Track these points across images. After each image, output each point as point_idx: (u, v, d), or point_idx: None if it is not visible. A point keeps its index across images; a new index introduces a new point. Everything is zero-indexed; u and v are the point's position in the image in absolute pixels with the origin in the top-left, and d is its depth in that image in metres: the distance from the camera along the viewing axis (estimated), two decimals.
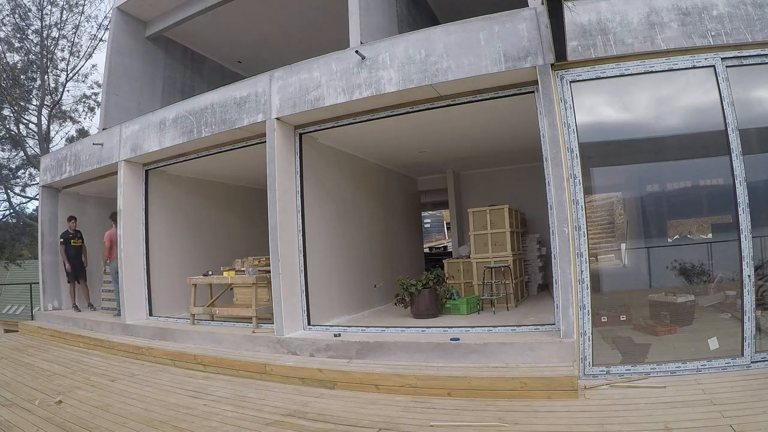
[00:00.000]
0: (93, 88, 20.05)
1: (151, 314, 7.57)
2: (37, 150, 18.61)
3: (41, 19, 18.04)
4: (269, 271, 5.88)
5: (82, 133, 19.82)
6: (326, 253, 6.51)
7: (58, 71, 19.08)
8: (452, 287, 6.99)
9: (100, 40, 19.00)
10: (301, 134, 6.15)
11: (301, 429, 3.56)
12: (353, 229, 7.39)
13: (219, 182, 9.48)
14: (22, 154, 19.32)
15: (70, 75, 19.20)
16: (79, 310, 9.00)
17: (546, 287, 8.60)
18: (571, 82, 4.51)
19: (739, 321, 4.06)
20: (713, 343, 4.14)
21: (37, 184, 14.10)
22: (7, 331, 9.56)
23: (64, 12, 18.52)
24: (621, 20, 4.35)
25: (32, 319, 10.02)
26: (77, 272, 9.17)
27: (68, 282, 9.21)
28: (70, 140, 19.49)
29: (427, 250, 16.10)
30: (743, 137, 4.12)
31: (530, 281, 8.53)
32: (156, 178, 7.92)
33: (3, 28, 17.81)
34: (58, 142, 20.18)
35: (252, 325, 6.15)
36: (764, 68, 4.25)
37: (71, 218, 9.25)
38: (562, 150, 4.37)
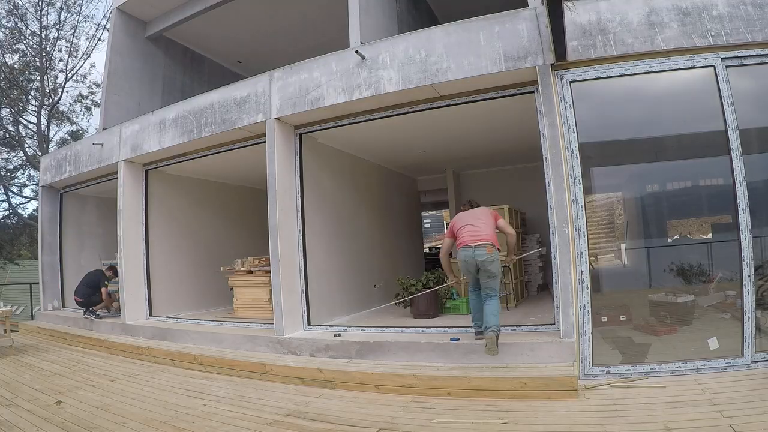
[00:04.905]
0: (91, 88, 20.07)
1: (151, 314, 7.57)
2: (37, 150, 18.62)
3: (39, 20, 18.06)
4: None
5: (75, 135, 19.81)
6: (326, 253, 6.50)
7: (56, 72, 19.11)
8: (452, 287, 6.98)
9: (99, 39, 19.04)
10: (301, 134, 6.14)
11: (301, 429, 3.56)
12: (353, 228, 7.39)
13: (219, 182, 9.47)
14: (21, 154, 19.34)
15: (69, 75, 19.23)
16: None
17: (546, 287, 8.60)
18: (571, 82, 4.51)
19: (739, 321, 4.06)
20: (713, 343, 4.14)
21: (36, 184, 14.11)
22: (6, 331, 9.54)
23: (62, 12, 18.55)
24: (621, 20, 4.36)
25: (32, 319, 10.02)
26: None
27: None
28: (63, 142, 19.49)
29: (427, 250, 16.09)
30: (743, 137, 4.12)
31: (530, 281, 8.53)
32: (156, 178, 7.92)
33: (1, 29, 17.83)
34: (57, 142, 20.20)
35: None
36: (764, 68, 4.25)
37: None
38: (562, 150, 4.37)
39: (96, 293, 8.15)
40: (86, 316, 8.04)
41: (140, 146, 7.25)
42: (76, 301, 8.21)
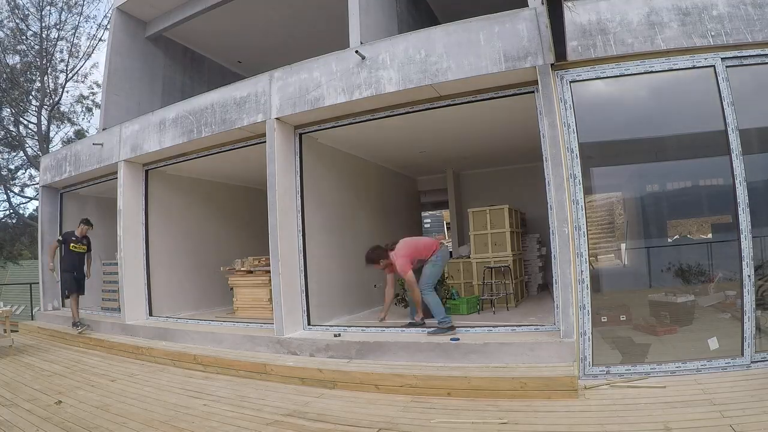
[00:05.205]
0: (92, 89, 20.08)
1: (151, 314, 7.57)
2: (37, 150, 18.62)
3: (40, 21, 18.06)
4: None
5: (80, 135, 19.82)
6: (326, 253, 6.50)
7: (57, 72, 19.11)
8: (452, 287, 6.98)
9: (100, 40, 19.05)
10: (301, 134, 6.14)
11: (301, 429, 3.56)
12: (353, 228, 7.38)
13: (219, 182, 9.47)
14: (21, 154, 19.35)
15: (70, 76, 19.24)
16: (88, 326, 7.59)
17: (546, 287, 8.60)
18: (571, 82, 4.51)
19: (739, 321, 4.06)
20: (713, 343, 4.14)
21: (37, 184, 14.12)
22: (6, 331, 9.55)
23: (63, 13, 18.56)
24: (621, 20, 4.35)
25: (32, 319, 10.03)
26: (79, 283, 7.70)
27: (68, 296, 7.79)
28: (67, 142, 19.51)
29: None
30: (743, 137, 4.12)
31: (530, 281, 8.53)
32: (156, 178, 7.92)
33: (2, 29, 17.85)
34: (57, 142, 20.22)
35: None
36: (764, 68, 4.25)
37: (86, 222, 7.88)
38: (562, 150, 4.37)
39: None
40: (79, 329, 7.35)
41: (140, 146, 7.25)
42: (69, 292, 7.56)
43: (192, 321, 7.19)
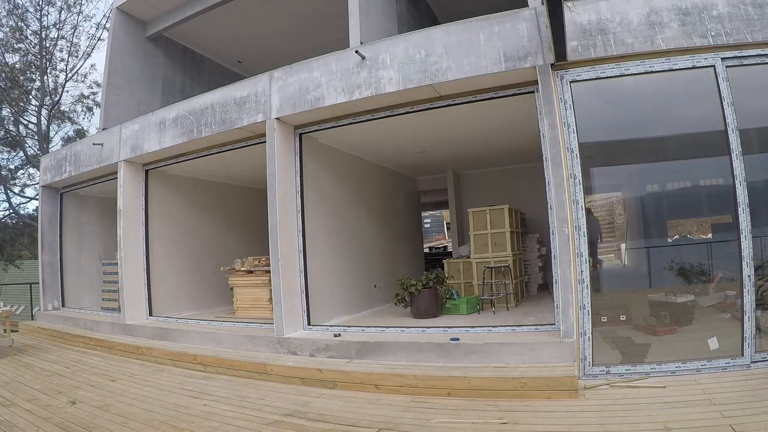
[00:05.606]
0: (92, 88, 20.06)
1: (151, 314, 7.57)
2: (37, 150, 18.62)
3: (40, 20, 18.06)
4: None
5: (80, 134, 19.81)
6: (326, 253, 6.50)
7: (57, 72, 19.10)
8: (452, 287, 6.99)
9: (99, 39, 19.03)
10: (301, 134, 6.14)
11: (301, 429, 3.56)
12: (353, 228, 7.39)
13: (219, 182, 9.47)
14: (21, 154, 19.34)
15: (69, 75, 19.23)
16: None
17: (546, 287, 8.60)
18: (571, 82, 4.51)
19: (739, 321, 4.06)
20: (713, 343, 4.14)
21: (37, 184, 14.12)
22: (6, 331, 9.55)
23: (63, 12, 18.54)
24: (621, 20, 4.36)
25: (32, 319, 10.03)
26: None
27: None
28: (68, 141, 19.50)
29: (427, 250, 16.10)
30: (743, 137, 4.12)
31: (530, 281, 8.53)
32: (156, 178, 7.92)
33: (1, 28, 17.84)
34: (57, 142, 20.20)
35: None
36: (764, 68, 4.25)
37: None
38: (562, 150, 4.37)
39: None
40: None
41: (140, 146, 7.25)
42: None
43: (192, 321, 7.19)
